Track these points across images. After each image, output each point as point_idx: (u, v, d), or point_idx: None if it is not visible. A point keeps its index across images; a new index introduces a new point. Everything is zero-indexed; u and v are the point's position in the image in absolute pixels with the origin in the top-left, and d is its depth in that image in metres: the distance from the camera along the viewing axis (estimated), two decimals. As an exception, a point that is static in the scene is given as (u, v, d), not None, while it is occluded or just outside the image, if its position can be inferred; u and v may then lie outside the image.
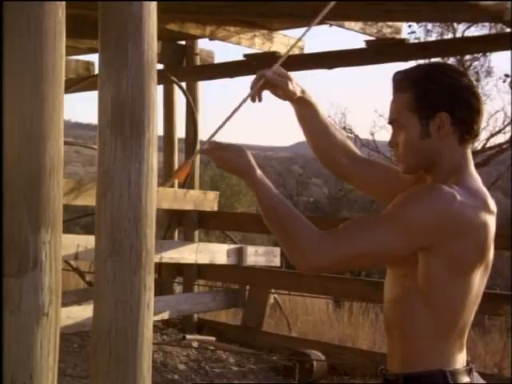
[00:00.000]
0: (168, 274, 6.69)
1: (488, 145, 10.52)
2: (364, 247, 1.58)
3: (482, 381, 1.73)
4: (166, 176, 6.85)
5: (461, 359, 1.68)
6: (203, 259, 6.04)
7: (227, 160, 1.76)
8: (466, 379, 1.65)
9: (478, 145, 10.51)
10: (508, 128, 10.58)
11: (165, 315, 5.88)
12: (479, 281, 1.65)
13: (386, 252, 1.60)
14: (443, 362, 1.64)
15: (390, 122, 1.75)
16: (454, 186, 1.61)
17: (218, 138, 1.83)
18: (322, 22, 5.62)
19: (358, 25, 5.59)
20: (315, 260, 1.59)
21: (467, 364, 1.69)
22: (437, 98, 1.67)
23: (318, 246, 1.58)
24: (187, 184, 6.56)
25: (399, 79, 1.73)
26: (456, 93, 1.67)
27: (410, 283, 1.64)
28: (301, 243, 1.60)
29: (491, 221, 1.64)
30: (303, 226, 1.63)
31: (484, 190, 1.67)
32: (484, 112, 1.73)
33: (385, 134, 17.27)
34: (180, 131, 6.88)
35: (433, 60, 9.95)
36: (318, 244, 1.59)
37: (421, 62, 9.77)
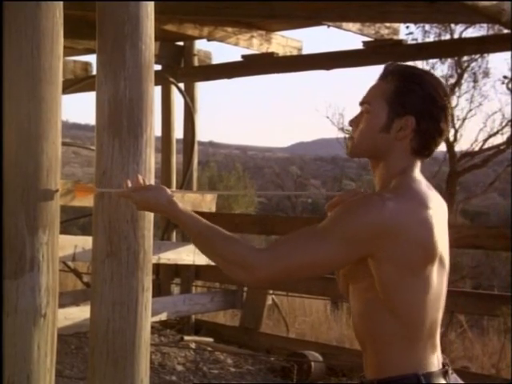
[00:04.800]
0: (166, 275, 6.69)
1: (485, 146, 10.50)
2: (306, 258, 1.61)
3: (460, 381, 1.73)
4: (164, 177, 6.85)
5: (435, 361, 1.68)
6: (201, 260, 6.04)
7: (148, 199, 1.78)
8: (442, 381, 1.66)
9: (476, 146, 10.50)
10: (505, 129, 10.57)
11: (162, 316, 5.88)
12: (436, 279, 1.66)
13: (328, 262, 1.62)
14: (416, 365, 1.65)
15: (361, 103, 1.77)
16: (385, 195, 1.64)
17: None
18: (320, 23, 5.63)
19: (355, 26, 5.60)
20: (259, 273, 1.61)
21: (443, 366, 1.69)
22: (414, 101, 1.69)
23: (260, 259, 1.61)
24: (185, 185, 6.56)
25: (390, 70, 1.76)
26: (432, 106, 1.70)
27: (371, 295, 1.66)
28: (241, 259, 1.62)
29: (434, 217, 1.65)
30: (239, 243, 1.65)
31: (424, 190, 1.69)
32: (445, 137, 1.77)
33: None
34: (178, 132, 6.88)
35: (428, 62, 9.95)
36: (260, 257, 1.61)
37: (418, 62, 9.77)
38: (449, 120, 1.73)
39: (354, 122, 1.77)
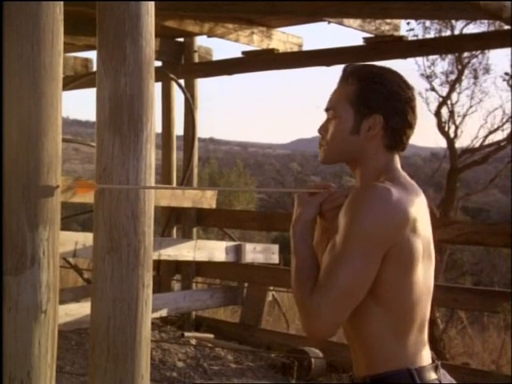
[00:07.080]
0: (166, 272, 6.70)
1: (486, 142, 10.48)
2: (353, 286, 1.58)
3: (448, 377, 1.74)
4: (164, 174, 6.86)
5: (425, 356, 1.68)
6: (201, 256, 6.04)
7: (297, 211, 1.79)
8: (433, 376, 1.66)
9: (476, 142, 10.50)
10: (506, 125, 10.55)
11: (163, 312, 5.89)
12: (426, 272, 1.67)
13: (369, 274, 1.60)
14: (408, 360, 1.64)
15: (327, 110, 1.77)
16: (386, 182, 1.64)
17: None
18: (320, 19, 5.62)
19: (356, 22, 5.60)
20: (327, 330, 1.60)
21: (433, 361, 1.70)
22: (378, 100, 1.69)
23: (321, 318, 1.58)
24: (185, 181, 6.56)
25: (349, 71, 1.76)
26: (397, 101, 1.70)
27: None
28: (308, 316, 1.60)
29: (423, 208, 1.67)
30: (307, 295, 1.62)
31: (411, 181, 1.70)
32: (415, 128, 1.76)
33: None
34: (178, 128, 6.88)
35: (428, 58, 9.93)
36: (318, 315, 1.58)
37: (419, 59, 9.75)
38: (416, 111, 1.73)
39: (322, 130, 1.77)
